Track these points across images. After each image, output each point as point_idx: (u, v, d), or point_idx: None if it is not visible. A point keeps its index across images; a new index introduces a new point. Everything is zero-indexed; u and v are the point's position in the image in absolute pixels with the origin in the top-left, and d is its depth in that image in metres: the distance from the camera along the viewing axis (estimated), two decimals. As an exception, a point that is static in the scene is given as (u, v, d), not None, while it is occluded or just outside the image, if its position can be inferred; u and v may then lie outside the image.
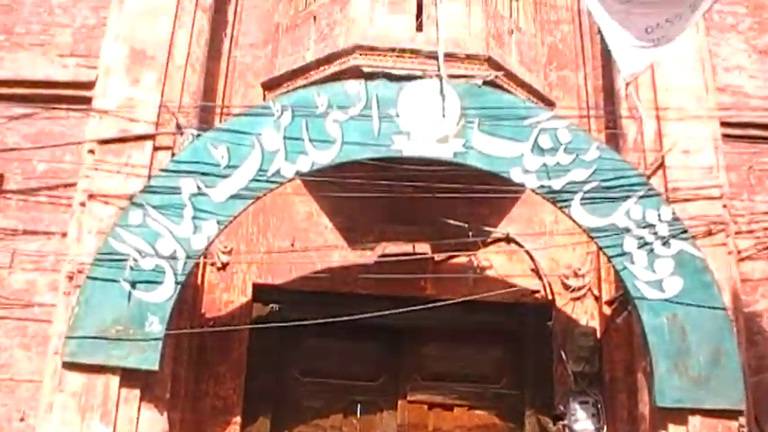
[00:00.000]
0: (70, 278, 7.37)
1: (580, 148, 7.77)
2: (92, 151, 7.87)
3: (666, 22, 7.06)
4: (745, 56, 9.47)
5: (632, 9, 7.22)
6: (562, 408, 8.78)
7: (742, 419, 7.17)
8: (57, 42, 8.84)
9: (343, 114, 7.68)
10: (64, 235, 7.85)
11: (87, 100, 8.29)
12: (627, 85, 7.91)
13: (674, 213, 7.64)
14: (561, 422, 8.76)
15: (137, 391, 7.08)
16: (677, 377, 7.16)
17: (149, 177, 7.62)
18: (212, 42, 9.09)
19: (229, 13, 9.76)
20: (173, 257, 7.25)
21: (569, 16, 10.05)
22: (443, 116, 7.71)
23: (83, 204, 7.65)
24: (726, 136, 8.58)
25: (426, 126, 7.70)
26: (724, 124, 8.60)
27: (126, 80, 8.14)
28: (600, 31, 7.84)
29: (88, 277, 7.12)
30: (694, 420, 7.15)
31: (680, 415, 7.20)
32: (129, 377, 7.02)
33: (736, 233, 8.36)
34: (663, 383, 7.17)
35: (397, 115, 7.71)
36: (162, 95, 8.09)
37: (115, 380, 6.97)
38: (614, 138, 8.71)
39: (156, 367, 7.00)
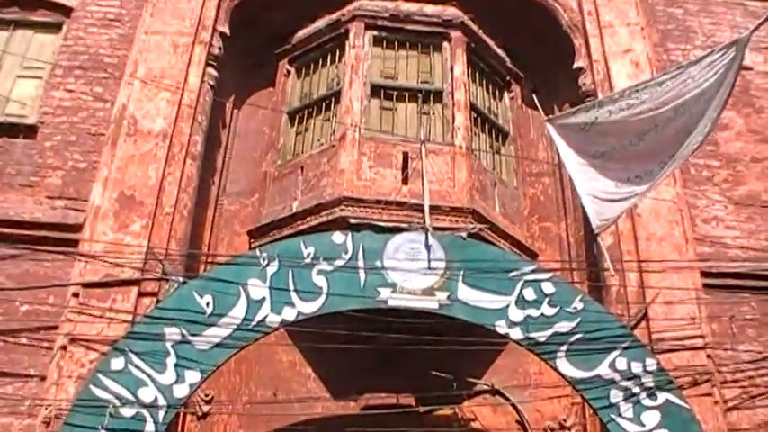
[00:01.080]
0: (47, 424, 7.21)
1: (564, 300, 7.82)
2: (76, 294, 7.85)
3: (636, 177, 7.29)
4: (721, 207, 9.67)
5: (604, 164, 7.47)
6: None
7: None
8: (46, 184, 8.88)
9: (329, 265, 7.74)
10: (43, 378, 7.68)
11: (74, 243, 8.31)
12: (596, 235, 8.03)
13: (658, 364, 7.62)
14: None
15: None
16: None
17: (133, 323, 7.57)
18: (200, 189, 9.24)
19: (218, 162, 9.97)
20: (154, 406, 7.11)
21: (550, 169, 10.33)
22: (429, 268, 7.79)
23: (64, 348, 7.56)
24: (707, 286, 8.68)
25: (412, 278, 7.76)
26: (705, 274, 8.71)
27: (114, 225, 8.22)
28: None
29: (65, 423, 6.96)
30: None
31: None
32: None
33: (722, 383, 8.31)
34: None
35: (383, 267, 7.77)
36: (149, 241, 8.13)
37: None
38: (597, 289, 8.78)
39: None
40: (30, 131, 9.19)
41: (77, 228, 8.42)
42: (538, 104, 9.02)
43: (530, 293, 7.79)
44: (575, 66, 10.33)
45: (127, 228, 8.21)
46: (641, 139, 7.19)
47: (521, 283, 7.82)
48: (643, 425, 7.39)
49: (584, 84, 10.14)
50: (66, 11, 10.25)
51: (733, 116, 10.27)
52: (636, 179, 7.27)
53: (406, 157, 8.87)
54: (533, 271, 8.04)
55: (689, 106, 6.85)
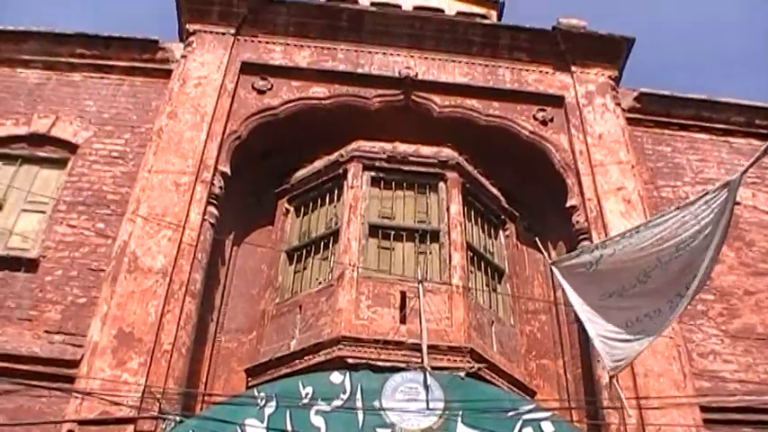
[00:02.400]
0: None
1: (564, 439, 7.79)
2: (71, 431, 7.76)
3: (645, 316, 7.37)
4: (718, 341, 9.73)
5: (612, 304, 7.55)
6: None
7: None
8: (45, 318, 8.90)
9: (328, 405, 7.72)
10: None
11: (71, 379, 8.26)
12: (611, 378, 8.03)
13: (661, 505, 7.54)
14: None
15: None
16: None
17: (127, 464, 7.47)
18: (198, 326, 9.22)
19: (217, 299, 10.01)
20: None
21: (546, 306, 10.41)
22: (428, 409, 7.77)
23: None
24: (707, 421, 8.64)
25: (411, 419, 7.72)
26: (704, 409, 8.70)
27: (112, 361, 8.20)
28: (577, 321, 8.10)
29: None
30: None
31: None
32: None
33: None
34: None
35: (382, 407, 7.75)
36: (146, 379, 8.09)
37: None
38: (597, 427, 8.72)
39: None
40: (31, 265, 9.31)
41: (74, 363, 8.39)
42: (540, 245, 9.22)
43: (529, 433, 7.76)
44: (568, 204, 10.58)
45: (125, 365, 8.18)
46: (648, 277, 7.32)
47: (520, 422, 7.79)
48: None
49: (577, 221, 10.35)
50: (72, 148, 10.58)
51: (725, 250, 10.42)
52: (645, 318, 7.35)
53: (403, 296, 8.97)
54: (532, 410, 8.02)
55: (689, 242, 7.01)
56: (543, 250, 9.02)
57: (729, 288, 10.27)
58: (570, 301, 7.87)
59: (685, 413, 8.49)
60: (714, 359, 9.56)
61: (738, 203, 10.99)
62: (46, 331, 8.83)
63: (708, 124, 12.25)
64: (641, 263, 7.31)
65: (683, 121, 12.19)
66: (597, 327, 7.65)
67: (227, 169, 10.22)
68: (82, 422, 7.82)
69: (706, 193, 6.99)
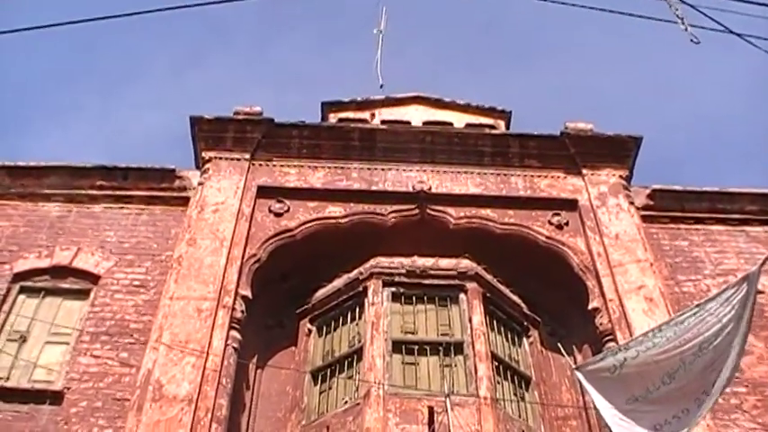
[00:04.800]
0: None
1: None
2: None
3: (674, 418, 7.25)
4: (754, 436, 9.56)
5: (640, 408, 7.45)
6: None
7: None
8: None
9: None
10: None
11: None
12: None
13: None
14: None
15: None
16: None
17: None
18: (227, 452, 9.15)
19: (243, 424, 9.91)
20: None
21: (576, 412, 10.24)
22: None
23: None
24: None
25: None
26: None
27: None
28: (608, 426, 7.98)
29: None
30: None
31: None
32: None
33: None
34: None
35: None
36: None
37: None
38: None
39: None
40: (56, 398, 9.31)
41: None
42: (563, 349, 9.15)
43: None
44: (590, 306, 10.56)
45: (153, 502, 8.10)
46: (672, 378, 7.24)
47: None
48: None
49: (600, 323, 10.31)
50: (95, 278, 10.73)
51: (752, 340, 10.33)
52: (674, 419, 7.24)
53: (431, 411, 8.84)
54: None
55: (712, 341, 6.96)
56: (566, 355, 8.97)
57: (761, 379, 10.14)
58: (597, 406, 7.78)
59: None
60: (751, 454, 9.39)
61: (762, 292, 11.02)
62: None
63: (723, 215, 12.32)
64: (665, 365, 7.25)
65: (697, 215, 12.27)
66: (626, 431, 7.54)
67: (248, 293, 10.29)
68: None
69: (725, 289, 6.99)
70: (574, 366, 8.21)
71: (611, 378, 7.63)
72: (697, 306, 7.16)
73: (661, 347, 7.24)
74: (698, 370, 7.04)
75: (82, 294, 10.63)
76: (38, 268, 10.86)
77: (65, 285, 10.75)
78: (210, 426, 8.80)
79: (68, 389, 9.35)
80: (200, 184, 11.58)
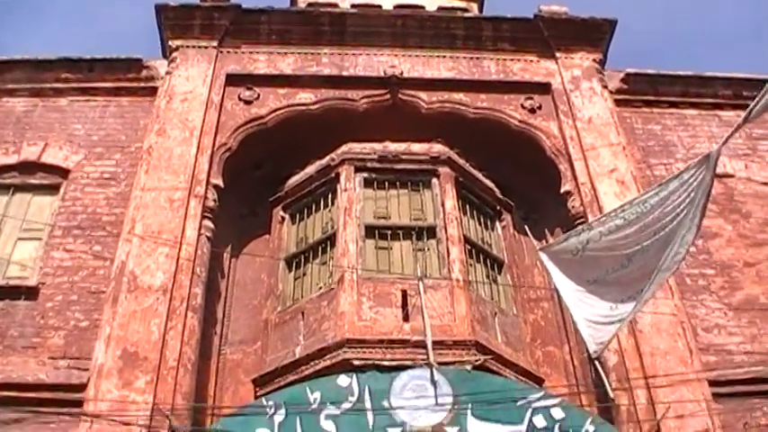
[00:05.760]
0: None
1: (574, 424, 7.82)
2: (84, 455, 7.72)
3: (630, 298, 7.37)
4: (721, 314, 9.73)
5: (598, 289, 7.58)
6: None
7: None
8: (49, 345, 8.87)
9: (337, 409, 7.72)
10: None
11: (79, 403, 8.22)
12: (593, 360, 8.03)
13: (676, 479, 7.54)
14: None
15: None
16: None
17: (142, 482, 7.42)
18: (202, 341, 9.21)
19: (218, 312, 10.01)
20: None
21: (548, 294, 10.38)
22: (437, 404, 7.76)
23: None
24: (716, 395, 8.64)
25: (420, 416, 7.73)
26: (713, 384, 8.70)
27: (118, 382, 8.18)
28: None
29: None
30: None
31: None
32: None
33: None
34: None
35: (391, 406, 7.76)
36: (154, 397, 8.07)
37: None
38: (607, 409, 8.70)
39: None
40: (31, 293, 9.30)
41: (81, 387, 8.36)
42: (529, 233, 9.19)
43: (540, 421, 7.78)
44: (562, 190, 10.58)
45: (131, 384, 8.17)
46: (630, 261, 7.33)
47: (530, 410, 7.82)
48: None
49: (573, 206, 10.36)
50: (64, 173, 10.58)
51: (721, 223, 10.53)
52: (629, 299, 7.37)
53: (405, 294, 8.95)
54: (541, 398, 8.05)
55: (669, 224, 7.02)
56: (533, 239, 9.04)
57: (729, 261, 10.28)
58: (557, 287, 7.89)
59: (694, 389, 8.49)
60: (719, 333, 9.57)
61: (732, 176, 11.11)
62: (50, 357, 8.79)
63: (696, 99, 12.29)
64: (625, 247, 7.34)
65: (671, 99, 12.22)
66: (582, 311, 7.68)
67: (219, 182, 10.22)
68: (93, 445, 7.76)
69: (688, 168, 6.99)
70: (538, 247, 8.28)
71: (574, 260, 7.74)
72: (659, 186, 7.20)
73: (623, 230, 7.32)
74: (654, 252, 7.12)
75: (52, 189, 10.51)
76: (5, 165, 10.68)
77: (34, 181, 10.60)
78: (186, 315, 8.86)
79: (43, 284, 9.33)
80: (167, 73, 11.33)
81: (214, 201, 10.01)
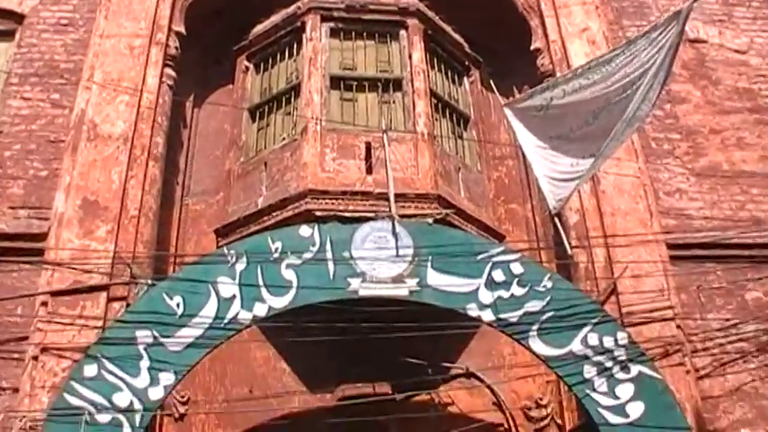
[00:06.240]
0: (23, 436, 7.10)
1: (533, 279, 7.87)
2: (44, 303, 7.75)
3: (591, 156, 7.36)
4: (684, 179, 9.77)
5: (562, 145, 7.55)
6: None
7: None
8: (8, 194, 8.75)
9: (298, 259, 7.73)
10: (15, 390, 7.54)
11: (40, 252, 8.20)
12: (553, 217, 8.08)
13: (630, 337, 7.71)
14: None
15: None
16: (648, 502, 7.09)
17: (104, 329, 7.49)
18: (164, 191, 9.17)
19: (181, 162, 9.93)
20: (130, 410, 7.05)
21: (513, 151, 10.36)
22: (397, 256, 7.81)
23: (35, 358, 7.45)
24: (673, 257, 8.78)
25: (381, 266, 7.78)
26: (671, 246, 8.83)
27: (79, 231, 8.13)
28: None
29: (42, 434, 6.87)
30: None
31: None
32: None
33: (693, 352, 8.44)
34: None
35: (352, 257, 7.78)
36: (115, 246, 8.06)
37: None
38: (566, 267, 8.83)
39: None
40: (-12, 142, 9.07)
41: (42, 237, 8.31)
42: (495, 89, 9.07)
43: (499, 275, 7.83)
44: (532, 47, 10.39)
45: (92, 233, 8.13)
46: (596, 118, 7.29)
47: (489, 265, 7.86)
48: (618, 398, 7.48)
49: (542, 64, 10.21)
50: (19, 18, 10.13)
51: (690, 89, 10.42)
52: (591, 157, 7.35)
53: (368, 146, 8.86)
54: (501, 252, 8.08)
55: (635, 82, 6.93)
56: (499, 95, 8.92)
57: (695, 127, 10.23)
58: (520, 143, 7.83)
59: (652, 250, 8.60)
60: (680, 197, 9.63)
61: (704, 41, 10.94)
62: (10, 207, 8.67)
63: (673, -44, 11.96)
64: (590, 104, 7.29)
65: (647, -44, 11.88)
66: (544, 168, 7.66)
67: (181, 29, 9.90)
68: (55, 293, 7.79)
69: (655, 26, 6.85)
70: (504, 103, 8.18)
71: (538, 116, 7.69)
72: (626, 44, 7.07)
73: (589, 87, 7.26)
74: (618, 110, 7.05)
75: (7, 36, 10.09)
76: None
77: (-13, 27, 10.19)
78: (147, 164, 8.75)
79: (0, 132, 9.11)
80: None
81: (176, 48, 9.72)
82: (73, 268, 7.90)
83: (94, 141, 8.71)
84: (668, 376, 7.71)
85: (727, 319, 8.92)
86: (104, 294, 7.83)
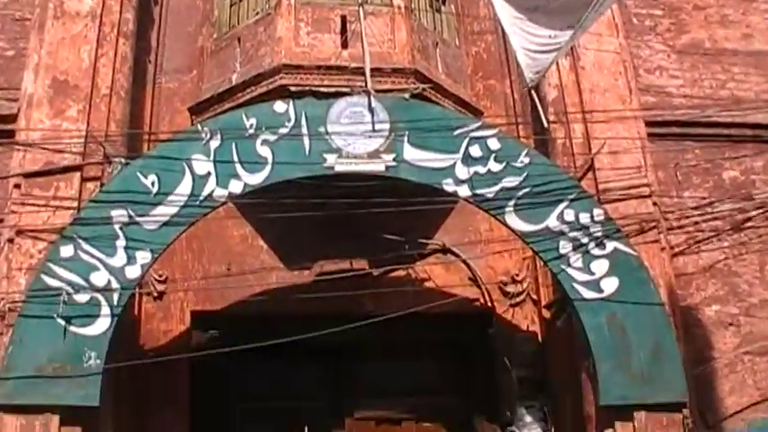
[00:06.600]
0: (1, 317, 7.13)
1: (510, 155, 7.84)
2: (18, 186, 7.67)
3: (568, 27, 7.18)
4: (665, 56, 9.70)
5: (540, 17, 7.35)
6: (509, 414, 8.82)
7: (686, 411, 7.31)
8: (-24, 76, 8.53)
9: (273, 135, 7.63)
10: (-7, 273, 7.55)
11: (10, 133, 8.06)
12: (529, 90, 7.99)
13: (606, 214, 7.77)
14: (509, 428, 8.81)
15: (78, 430, 6.86)
16: (620, 375, 7.28)
17: (79, 209, 7.44)
18: (136, 69, 8.97)
19: (152, 39, 9.68)
20: (107, 289, 7.08)
21: (491, 26, 10.13)
22: (373, 131, 7.73)
23: (11, 241, 7.43)
24: (651, 135, 8.80)
25: (357, 142, 7.71)
26: (649, 124, 8.83)
27: (50, 112, 7.97)
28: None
29: (20, 315, 6.92)
30: (639, 416, 7.28)
31: (625, 412, 7.32)
32: (70, 415, 6.79)
33: (668, 229, 8.57)
34: (606, 382, 7.28)
35: (327, 133, 7.70)
36: (87, 125, 7.93)
37: (55, 419, 6.74)
38: (543, 143, 8.79)
39: (96, 403, 6.80)
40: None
41: (12, 118, 8.17)
42: None
43: (476, 150, 7.79)
44: None
45: (63, 113, 7.97)
46: None
47: (466, 140, 7.80)
48: (592, 273, 7.58)
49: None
50: None
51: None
52: (569, 29, 7.17)
53: (344, 20, 8.57)
54: (478, 128, 8.02)
55: None
56: None
57: (678, 3, 10.14)
58: (498, 15, 7.64)
59: (630, 127, 8.61)
60: (660, 74, 9.61)
61: None
62: (-23, 89, 8.45)
63: None
64: None
65: None
66: (522, 40, 7.49)
67: None
68: (28, 175, 7.69)
69: None
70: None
71: None
72: None
73: None
74: None
75: None
76: None
77: None
78: (117, 41, 8.54)
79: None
80: None
81: None
82: (45, 149, 7.77)
83: (62, 19, 8.44)
84: (643, 253, 7.80)
85: (704, 198, 9.03)
86: (78, 175, 7.75)
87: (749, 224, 9.02)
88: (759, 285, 8.90)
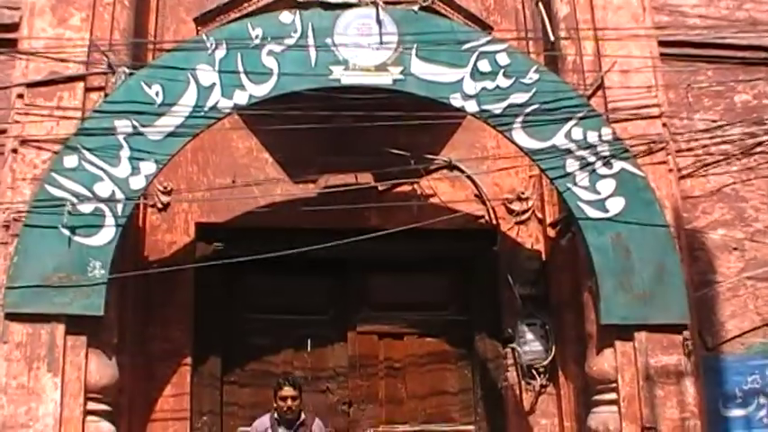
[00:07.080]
0: (6, 227, 7.11)
1: (519, 71, 7.73)
2: (21, 96, 7.55)
3: None
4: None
5: None
6: (510, 331, 8.90)
7: (686, 333, 7.35)
8: (-29, -9, 8.35)
9: (279, 46, 7.51)
10: (-3, 184, 7.53)
11: (13, 42, 7.92)
12: (538, 3, 7.82)
13: (614, 133, 7.69)
14: (510, 345, 8.90)
15: (83, 338, 6.91)
16: (622, 295, 7.30)
17: (82, 119, 7.37)
18: (141, -23, 8.76)
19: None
20: (112, 200, 7.09)
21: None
22: (381, 44, 7.61)
23: (15, 151, 7.36)
24: (664, 55, 8.62)
25: (364, 54, 7.59)
26: (662, 44, 8.64)
27: (52, 20, 7.78)
28: None
29: (25, 225, 6.93)
30: (640, 336, 7.33)
31: (626, 331, 7.36)
32: (75, 324, 6.86)
33: (677, 151, 8.49)
34: (608, 302, 7.31)
35: (334, 44, 7.57)
36: (91, 34, 7.75)
37: (60, 328, 6.82)
38: (553, 60, 8.66)
39: (101, 312, 6.87)
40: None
41: (14, 27, 8.04)
42: None
43: (484, 65, 7.68)
44: None
45: (66, 22, 7.78)
46: None
47: (475, 55, 7.68)
48: (598, 193, 7.55)
49: None
50: None
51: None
52: None
53: (353, -72, 8.39)
54: (488, 42, 7.87)
55: None
56: None
57: None
58: None
59: (642, 46, 8.38)
60: (676, -7, 9.36)
61: None
62: (-22, -2, 8.27)
63: None
64: None
65: None
66: None
67: None
68: (31, 84, 7.55)
69: None
70: None
71: None
72: None
73: None
74: None
75: None
76: None
77: None
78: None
79: None
80: None
81: None
82: (48, 57, 7.64)
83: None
84: (650, 174, 7.74)
85: (714, 121, 8.93)
86: (82, 84, 7.63)
87: (759, 149, 8.95)
88: (765, 211, 8.87)
